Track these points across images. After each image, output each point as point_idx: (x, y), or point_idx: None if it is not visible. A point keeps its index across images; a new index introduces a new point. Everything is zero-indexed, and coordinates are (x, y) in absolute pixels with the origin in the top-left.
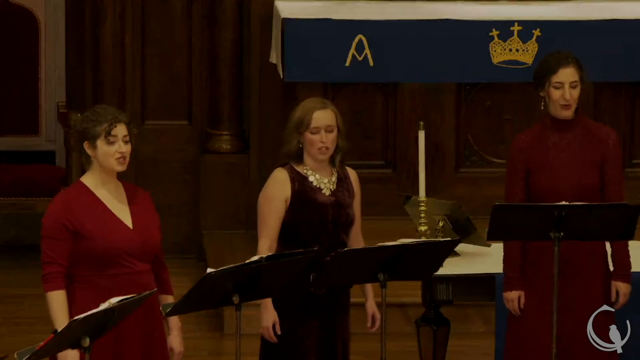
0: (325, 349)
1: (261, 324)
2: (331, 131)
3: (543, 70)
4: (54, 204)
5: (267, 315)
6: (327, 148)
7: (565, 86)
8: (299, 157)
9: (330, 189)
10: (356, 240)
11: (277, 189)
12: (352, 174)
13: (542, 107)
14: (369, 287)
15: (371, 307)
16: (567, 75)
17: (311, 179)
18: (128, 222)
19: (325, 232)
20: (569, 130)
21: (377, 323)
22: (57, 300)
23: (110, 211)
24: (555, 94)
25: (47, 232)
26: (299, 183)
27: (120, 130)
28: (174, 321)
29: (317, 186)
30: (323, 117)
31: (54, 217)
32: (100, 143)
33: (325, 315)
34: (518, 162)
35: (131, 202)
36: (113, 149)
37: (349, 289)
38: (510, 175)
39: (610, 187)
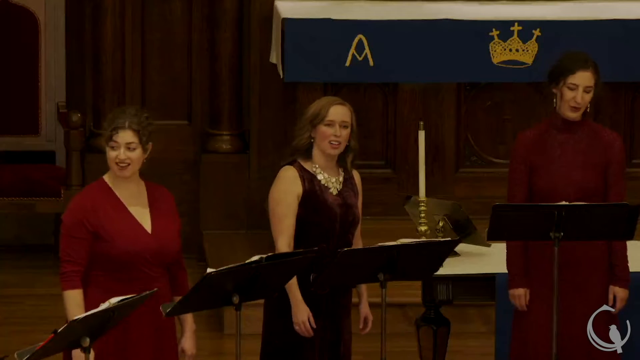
0: (328, 350)
1: (294, 320)
2: (346, 127)
3: (561, 68)
4: (75, 201)
5: (301, 310)
6: (339, 143)
7: (579, 89)
8: (308, 153)
9: (337, 189)
10: (356, 240)
11: (290, 187)
12: (356, 174)
13: (554, 105)
14: (363, 288)
15: (364, 309)
16: (583, 78)
17: (319, 177)
18: (147, 226)
19: (333, 232)
20: (575, 131)
21: (369, 325)
22: (74, 300)
23: (130, 214)
24: (568, 94)
25: (67, 230)
26: (309, 182)
27: (124, 136)
28: (189, 323)
29: (325, 185)
30: (340, 111)
31: (75, 216)
32: (107, 146)
33: (328, 316)
34: (521, 159)
35: (152, 205)
36: (114, 154)
37: (350, 290)
38: (512, 171)
39: (612, 190)
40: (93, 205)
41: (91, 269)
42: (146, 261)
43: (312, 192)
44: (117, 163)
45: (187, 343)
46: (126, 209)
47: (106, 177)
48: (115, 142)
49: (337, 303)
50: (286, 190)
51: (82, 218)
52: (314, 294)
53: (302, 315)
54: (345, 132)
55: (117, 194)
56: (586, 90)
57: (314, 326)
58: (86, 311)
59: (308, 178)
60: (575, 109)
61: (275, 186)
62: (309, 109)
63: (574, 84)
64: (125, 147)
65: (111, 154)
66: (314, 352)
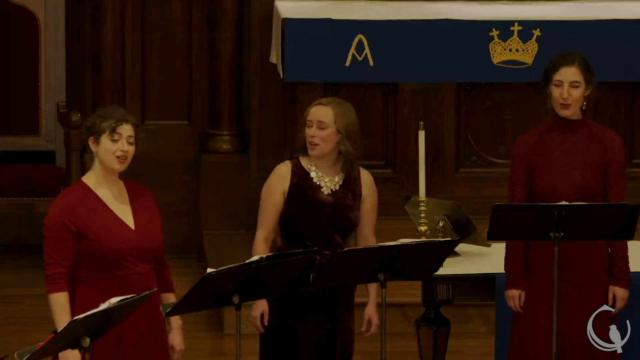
0: (323, 347)
1: (250, 314)
2: (323, 128)
3: (548, 68)
4: (55, 204)
5: (257, 305)
6: (315, 144)
7: (564, 85)
8: (305, 151)
9: (331, 189)
10: (365, 242)
11: (277, 181)
12: (366, 177)
13: (548, 105)
14: (372, 289)
15: (370, 311)
16: (567, 74)
17: (312, 175)
18: (130, 222)
19: (318, 231)
20: (573, 131)
21: (373, 329)
22: (60, 302)
23: (112, 211)
24: (555, 92)
25: (50, 232)
26: (299, 178)
27: (126, 129)
28: (175, 319)
29: (317, 183)
30: (318, 112)
31: (56, 217)
32: (104, 139)
33: (324, 313)
34: (521, 160)
35: (133, 202)
36: (115, 146)
37: (353, 288)
38: (513, 173)
39: (612, 190)
40: (75, 205)
41: (78, 269)
42: (133, 257)
43: (300, 188)
44: (118, 156)
45: (176, 339)
46: (108, 207)
47: (85, 179)
48: (119, 134)
49: (337, 301)
50: (273, 186)
51: (64, 219)
52: (311, 292)
53: (256, 310)
54: (322, 133)
55: (98, 194)
56: (573, 85)
57: (266, 324)
58: (77, 311)
59: (300, 175)
60: (564, 105)
61: (267, 180)
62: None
63: (559, 81)
64: (127, 141)
65: (113, 146)
66: (313, 350)
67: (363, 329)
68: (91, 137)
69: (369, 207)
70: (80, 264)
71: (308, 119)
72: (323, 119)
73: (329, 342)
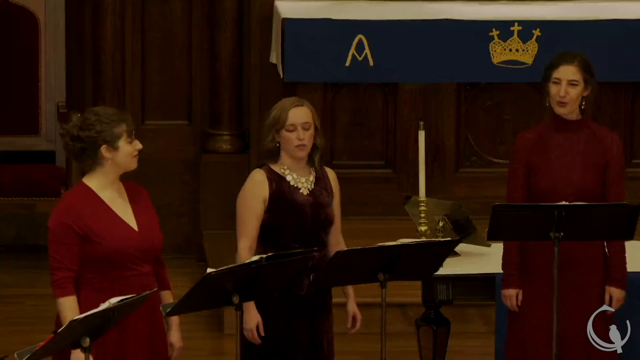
0: (309, 349)
1: (244, 326)
2: (308, 128)
3: (548, 65)
4: (58, 207)
5: (250, 316)
6: (304, 145)
7: (562, 83)
8: (275, 156)
9: (308, 189)
10: (337, 240)
11: (255, 189)
12: (331, 173)
13: (547, 104)
14: (350, 287)
15: (352, 307)
16: (566, 72)
17: (289, 178)
18: (133, 223)
19: (304, 232)
20: (573, 131)
21: (358, 324)
22: (69, 306)
23: (115, 213)
24: (553, 89)
25: (55, 236)
26: (277, 183)
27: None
28: (174, 317)
29: (295, 186)
30: (299, 114)
31: (61, 220)
32: (122, 143)
33: (308, 315)
34: (520, 159)
35: (133, 203)
36: (132, 147)
37: (330, 289)
38: (512, 172)
39: (612, 190)
40: (77, 208)
41: (82, 270)
42: (135, 258)
43: (280, 194)
44: (135, 155)
45: (174, 336)
46: (111, 209)
47: (87, 181)
48: (133, 134)
49: (319, 303)
50: (251, 194)
51: (69, 222)
52: (293, 293)
53: (251, 322)
54: (309, 133)
55: (100, 196)
56: (571, 83)
57: (262, 334)
58: (81, 313)
59: (276, 180)
60: (561, 103)
61: (242, 189)
62: (269, 114)
63: (558, 78)
64: (135, 137)
65: (131, 147)
66: (295, 352)
67: (349, 326)
68: (105, 146)
69: (337, 204)
70: (83, 266)
71: (289, 123)
72: (307, 120)
73: (314, 344)
